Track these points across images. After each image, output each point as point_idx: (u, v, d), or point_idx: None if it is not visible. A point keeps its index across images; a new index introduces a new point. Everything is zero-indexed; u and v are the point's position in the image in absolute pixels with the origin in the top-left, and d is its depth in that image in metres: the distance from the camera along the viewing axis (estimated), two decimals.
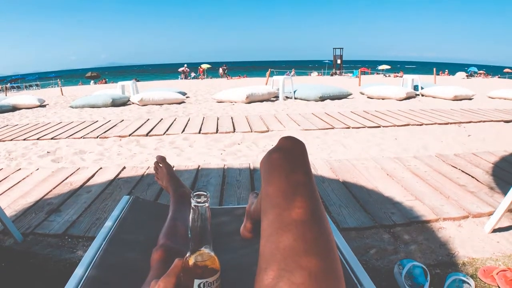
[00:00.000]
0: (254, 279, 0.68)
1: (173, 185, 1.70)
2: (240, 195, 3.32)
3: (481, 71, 39.89)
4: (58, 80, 27.89)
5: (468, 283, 1.91)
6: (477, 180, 3.54)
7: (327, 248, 0.67)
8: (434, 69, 22.38)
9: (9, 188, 3.65)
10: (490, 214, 2.69)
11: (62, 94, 18.66)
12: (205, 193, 0.76)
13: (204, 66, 39.44)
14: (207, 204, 0.76)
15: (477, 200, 3.05)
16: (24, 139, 6.25)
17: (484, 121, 6.88)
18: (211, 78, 36.25)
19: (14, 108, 11.51)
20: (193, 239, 0.78)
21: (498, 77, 32.78)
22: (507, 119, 7.01)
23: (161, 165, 1.80)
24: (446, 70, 40.02)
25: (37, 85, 33.51)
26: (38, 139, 6.24)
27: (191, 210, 0.76)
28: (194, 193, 0.76)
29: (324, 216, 0.73)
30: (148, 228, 1.56)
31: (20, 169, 4.33)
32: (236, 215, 1.71)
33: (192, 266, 0.76)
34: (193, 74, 37.17)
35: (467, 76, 33.62)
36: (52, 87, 31.88)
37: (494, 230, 2.58)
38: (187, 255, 0.79)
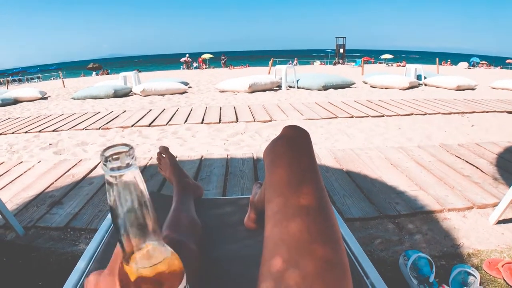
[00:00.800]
0: (259, 269, 0.66)
1: (176, 176, 1.68)
2: (243, 185, 3.30)
3: (483, 62, 39.73)
4: (60, 72, 27.87)
5: (473, 276, 1.90)
6: (481, 171, 3.51)
7: (334, 238, 0.65)
8: (437, 59, 22.32)
9: (10, 182, 3.63)
10: (495, 205, 2.67)
11: (64, 86, 18.64)
12: (125, 149, 0.46)
13: (206, 56, 39.45)
14: (133, 170, 0.46)
15: (482, 191, 3.03)
16: (26, 132, 6.23)
17: (487, 112, 6.83)
18: (213, 68, 36.28)
19: (15, 101, 11.49)
20: (126, 235, 0.48)
21: (500, 68, 32.59)
22: (510, 109, 6.96)
23: (164, 155, 1.78)
24: (449, 60, 39.86)
25: (38, 78, 33.49)
26: (39, 131, 6.23)
27: (107, 186, 0.46)
28: (105, 154, 0.45)
29: (329, 205, 0.72)
30: None
31: (21, 162, 4.32)
32: (240, 205, 1.69)
33: (138, 280, 0.49)
34: (195, 64, 37.21)
35: (468, 67, 33.43)
36: (53, 79, 31.86)
37: (499, 222, 2.56)
38: (121, 261, 0.51)
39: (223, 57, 37.45)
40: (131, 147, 0.46)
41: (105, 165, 0.44)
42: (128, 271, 0.49)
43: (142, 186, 0.47)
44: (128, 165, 0.45)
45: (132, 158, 0.45)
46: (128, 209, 0.46)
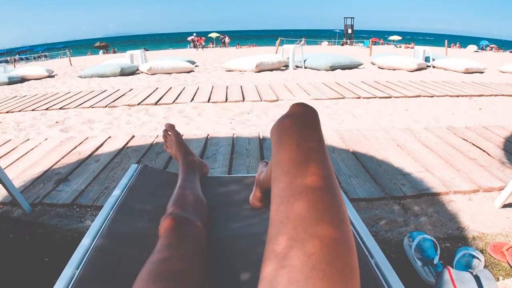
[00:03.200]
0: (264, 248, 0.66)
1: (182, 153, 1.68)
2: (249, 164, 3.31)
3: (492, 45, 39.26)
4: (67, 50, 27.81)
5: (478, 258, 1.90)
6: (488, 154, 3.49)
7: (340, 218, 0.64)
8: (446, 41, 21.99)
9: (17, 159, 3.65)
10: (501, 189, 2.66)
11: (71, 65, 18.64)
12: None
13: (213, 35, 39.31)
14: None
15: (488, 174, 3.01)
16: (33, 110, 6.24)
17: (495, 95, 6.74)
18: (220, 47, 36.26)
19: (22, 79, 11.48)
20: None
21: (510, 52, 32.15)
22: None
23: (170, 133, 1.78)
24: (458, 43, 39.40)
25: (45, 56, 33.43)
26: (46, 109, 6.24)
27: None
28: None
29: (336, 185, 0.71)
30: (156, 197, 1.55)
31: (28, 139, 4.34)
32: (245, 184, 1.69)
33: None
34: (202, 43, 37.07)
35: (477, 50, 33.02)
36: (60, 57, 31.84)
37: (505, 206, 2.55)
38: None
39: (222, 36, 37.26)
40: None
41: None
42: None
43: None
44: None
45: None
46: None
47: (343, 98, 6.38)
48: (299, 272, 0.56)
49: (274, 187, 0.73)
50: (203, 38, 38.14)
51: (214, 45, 37.46)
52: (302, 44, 28.15)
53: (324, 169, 0.70)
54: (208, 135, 4.23)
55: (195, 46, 35.97)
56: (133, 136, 4.22)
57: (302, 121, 0.79)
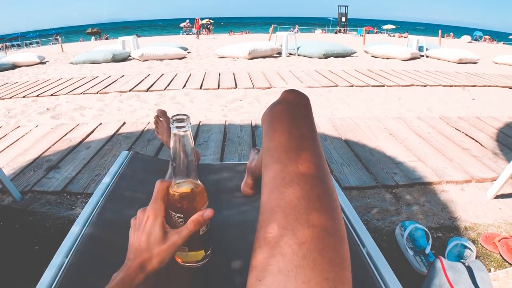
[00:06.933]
0: (254, 236, 0.65)
1: None
2: (241, 152, 3.30)
3: (486, 36, 39.32)
4: (58, 36, 27.56)
5: (470, 249, 1.90)
6: (481, 145, 3.50)
7: (331, 206, 0.63)
8: (440, 31, 21.94)
9: (8, 146, 3.62)
10: (494, 180, 2.67)
11: (63, 51, 18.46)
12: (185, 116, 0.70)
13: (205, 21, 38.95)
14: (188, 129, 0.70)
15: (481, 164, 3.02)
16: (24, 96, 6.17)
17: (488, 86, 6.73)
18: (202, 33, 36.02)
19: (14, 66, 11.31)
20: (177, 170, 0.73)
21: (503, 44, 32.20)
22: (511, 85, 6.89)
23: (161, 119, 1.76)
24: (451, 33, 39.43)
25: (37, 43, 33.14)
26: (37, 96, 6.17)
27: (172, 138, 0.70)
28: (174, 118, 0.69)
29: (328, 173, 0.70)
30: (147, 184, 1.53)
31: (19, 126, 4.30)
32: (237, 171, 1.68)
33: (179, 198, 0.73)
34: (194, 30, 36.78)
35: (471, 40, 33.06)
36: (52, 44, 31.56)
37: (497, 196, 2.56)
38: (172, 187, 0.74)
39: (209, 22, 36.64)
40: (188, 116, 0.70)
41: (173, 125, 0.68)
42: (173, 193, 0.73)
43: (191, 139, 0.71)
44: (186, 126, 0.69)
45: (188, 122, 0.69)
46: (182, 152, 0.70)
47: (336, 86, 6.37)
48: (290, 261, 0.55)
49: (265, 174, 0.72)
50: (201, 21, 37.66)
51: (207, 32, 37.14)
52: (295, 32, 28.11)
53: (315, 157, 0.69)
54: (200, 122, 4.21)
55: (188, 33, 35.59)
56: (124, 123, 4.20)
57: (294, 108, 0.78)
